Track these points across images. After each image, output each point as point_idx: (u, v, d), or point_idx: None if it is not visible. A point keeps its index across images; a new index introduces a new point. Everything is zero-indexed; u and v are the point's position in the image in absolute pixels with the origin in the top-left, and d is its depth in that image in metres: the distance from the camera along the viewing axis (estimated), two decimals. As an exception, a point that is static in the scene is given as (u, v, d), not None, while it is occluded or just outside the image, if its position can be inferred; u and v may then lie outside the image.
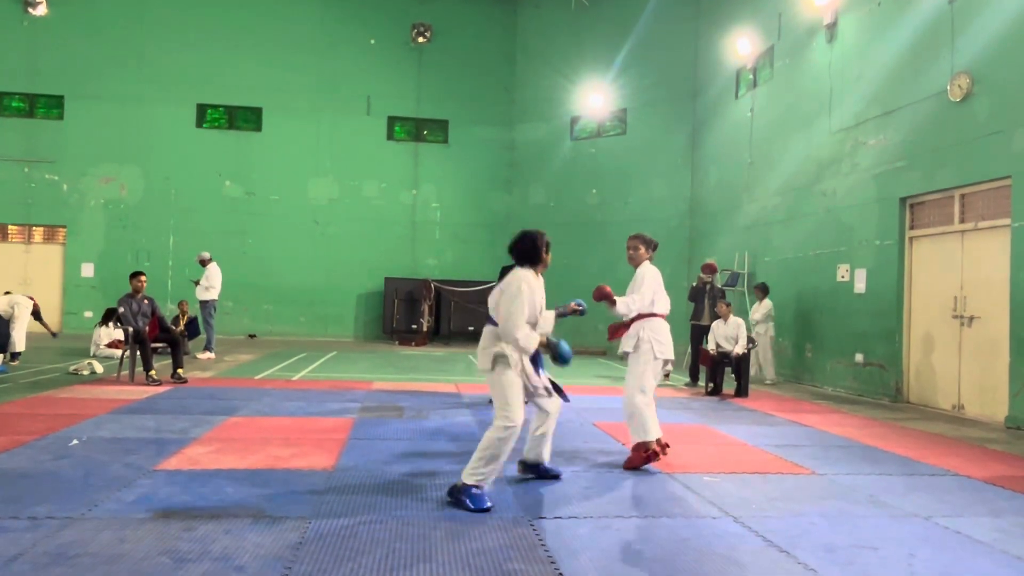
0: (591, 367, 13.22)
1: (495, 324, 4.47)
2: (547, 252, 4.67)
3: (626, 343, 5.57)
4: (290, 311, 19.19)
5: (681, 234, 17.25)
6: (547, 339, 4.58)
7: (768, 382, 11.66)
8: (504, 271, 8.21)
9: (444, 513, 4.12)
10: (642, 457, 5.32)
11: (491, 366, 4.43)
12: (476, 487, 4.28)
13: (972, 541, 3.94)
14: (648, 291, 5.55)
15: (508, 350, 4.42)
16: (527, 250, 4.56)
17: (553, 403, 4.88)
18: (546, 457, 5.05)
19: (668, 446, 5.62)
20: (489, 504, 4.25)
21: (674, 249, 17.10)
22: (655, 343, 5.47)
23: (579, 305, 5.26)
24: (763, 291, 11.97)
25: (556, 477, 5.04)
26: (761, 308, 11.83)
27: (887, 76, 10.41)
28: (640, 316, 5.55)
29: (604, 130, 19.02)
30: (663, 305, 5.63)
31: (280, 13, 19.39)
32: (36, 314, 11.10)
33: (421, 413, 7.56)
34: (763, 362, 11.83)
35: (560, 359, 4.55)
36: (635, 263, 5.77)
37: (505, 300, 4.39)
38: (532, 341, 4.39)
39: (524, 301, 4.36)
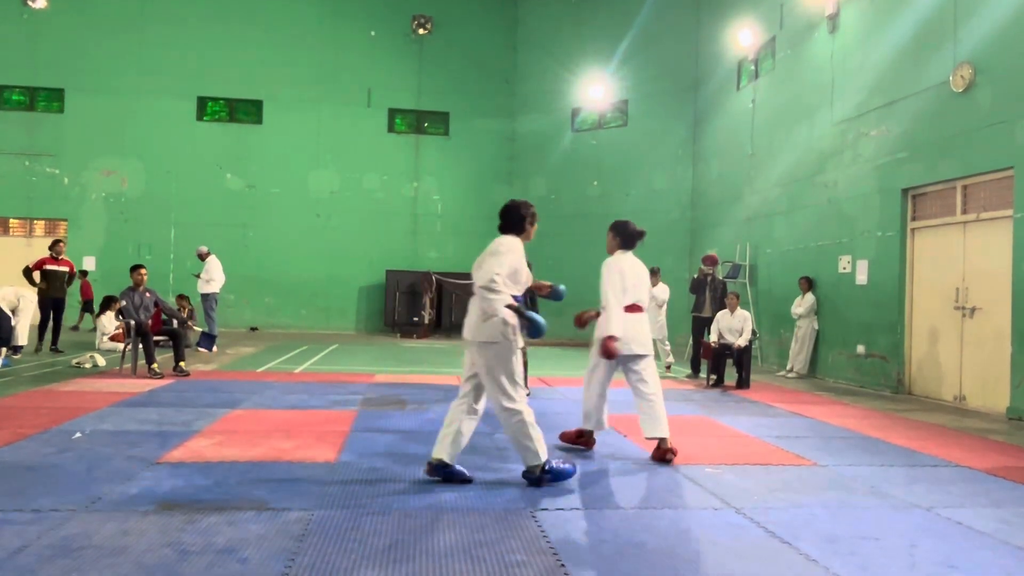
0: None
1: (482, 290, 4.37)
2: (532, 223, 4.65)
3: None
4: (292, 304, 19.22)
5: (682, 226, 17.24)
6: (518, 306, 4.35)
7: (792, 375, 11.66)
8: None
9: (446, 505, 4.13)
10: (572, 436, 5.72)
11: (501, 337, 4.29)
12: (547, 464, 4.48)
13: (973, 532, 3.95)
14: (610, 290, 5.27)
15: (512, 319, 4.31)
16: (512, 219, 4.59)
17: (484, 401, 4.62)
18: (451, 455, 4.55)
19: (593, 445, 5.73)
20: (572, 468, 4.63)
21: (675, 241, 17.10)
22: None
23: (555, 286, 4.92)
24: (808, 284, 11.83)
25: (467, 481, 4.56)
26: (804, 302, 11.77)
27: (889, 66, 10.37)
28: (598, 313, 5.44)
29: (605, 122, 18.98)
30: (627, 297, 5.37)
31: (280, 5, 19.35)
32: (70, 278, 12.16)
33: (423, 405, 7.57)
34: (796, 355, 11.78)
35: (534, 329, 4.32)
36: (610, 253, 5.62)
37: (489, 257, 4.34)
38: (500, 303, 4.23)
39: (507, 262, 4.33)
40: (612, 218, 5.95)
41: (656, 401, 5.40)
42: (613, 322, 5.20)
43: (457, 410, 4.57)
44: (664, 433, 5.34)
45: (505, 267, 4.33)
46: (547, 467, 4.49)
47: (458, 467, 4.57)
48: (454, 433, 4.50)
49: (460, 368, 10.36)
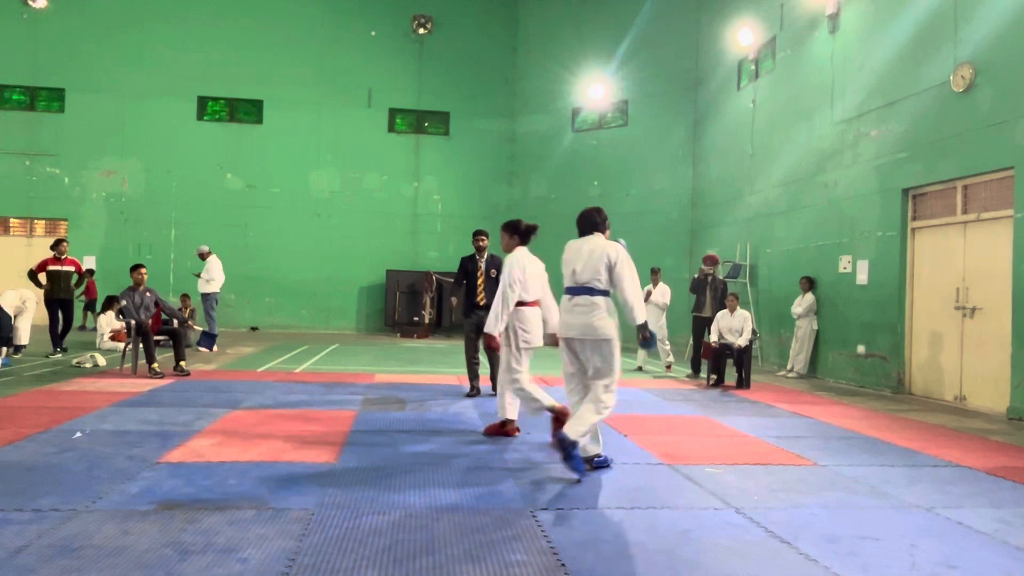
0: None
1: (592, 292, 4.80)
2: (608, 227, 5.11)
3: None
4: (292, 304, 19.22)
5: (683, 226, 17.24)
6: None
7: (792, 375, 11.67)
8: (464, 262, 8.45)
9: (446, 505, 4.14)
10: (497, 427, 6.06)
11: (616, 334, 4.80)
12: (575, 446, 4.69)
13: (973, 532, 3.95)
14: (509, 286, 5.64)
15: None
16: (593, 221, 5.06)
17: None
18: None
19: (518, 430, 6.11)
20: (583, 469, 4.82)
21: (675, 241, 17.10)
22: (520, 331, 5.79)
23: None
24: (808, 284, 11.82)
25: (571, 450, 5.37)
26: (804, 302, 11.76)
27: (890, 67, 10.37)
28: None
29: (606, 122, 18.98)
30: (532, 293, 5.83)
31: (281, 5, 19.35)
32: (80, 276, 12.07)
33: (423, 405, 7.57)
34: (796, 355, 11.81)
35: (651, 342, 4.87)
36: (507, 252, 5.97)
37: (629, 269, 4.79)
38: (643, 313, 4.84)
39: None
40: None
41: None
42: (500, 320, 5.62)
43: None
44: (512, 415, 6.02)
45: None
46: (574, 449, 4.68)
47: (578, 452, 4.80)
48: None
49: (459, 368, 10.38)
